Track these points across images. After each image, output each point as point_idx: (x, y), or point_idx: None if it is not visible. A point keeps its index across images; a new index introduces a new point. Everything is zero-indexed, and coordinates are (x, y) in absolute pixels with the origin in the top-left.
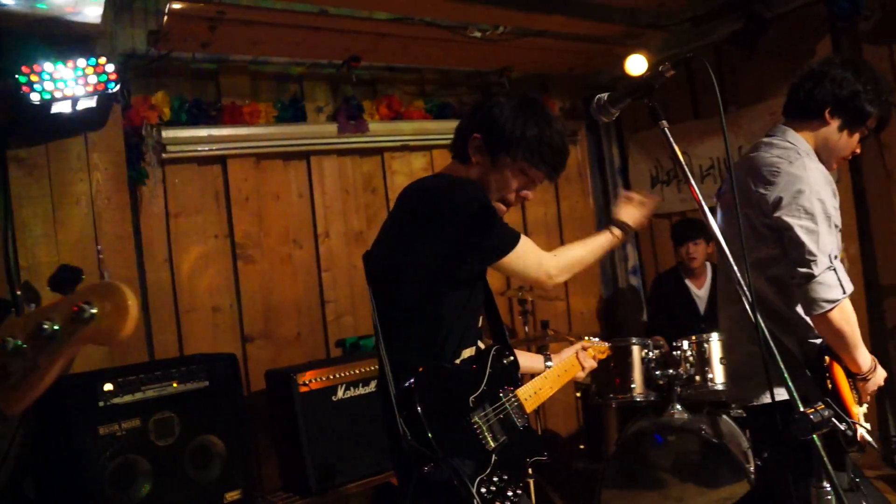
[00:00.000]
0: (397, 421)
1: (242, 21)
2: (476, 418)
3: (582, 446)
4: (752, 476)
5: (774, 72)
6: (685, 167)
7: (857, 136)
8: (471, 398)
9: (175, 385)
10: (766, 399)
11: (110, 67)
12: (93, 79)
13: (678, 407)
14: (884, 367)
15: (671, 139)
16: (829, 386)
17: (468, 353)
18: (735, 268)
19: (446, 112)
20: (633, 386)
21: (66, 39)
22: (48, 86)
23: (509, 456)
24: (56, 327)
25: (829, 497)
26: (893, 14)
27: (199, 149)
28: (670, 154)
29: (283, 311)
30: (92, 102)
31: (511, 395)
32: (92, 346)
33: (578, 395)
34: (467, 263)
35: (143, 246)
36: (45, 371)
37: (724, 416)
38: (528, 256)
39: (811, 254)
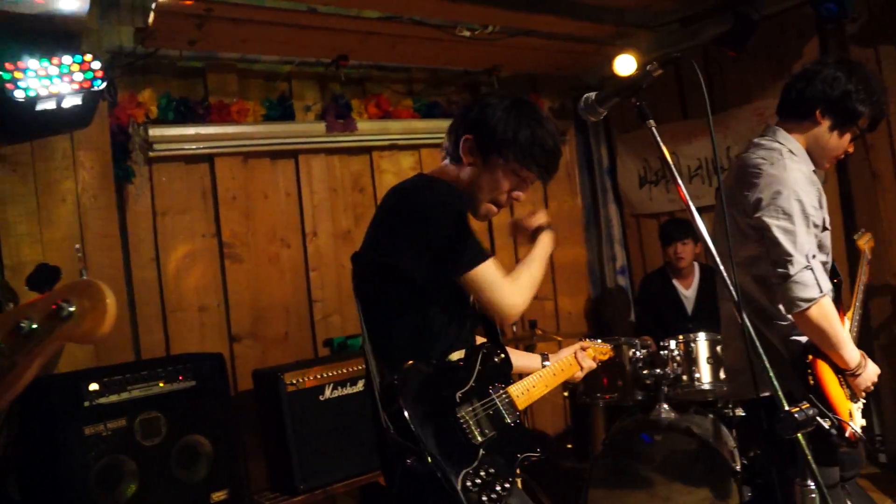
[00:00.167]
0: (381, 415)
1: (230, 19)
2: (463, 413)
3: (569, 445)
4: (739, 475)
5: (762, 73)
6: (672, 167)
7: (848, 136)
8: (458, 394)
9: (161, 385)
10: (762, 392)
11: (96, 64)
12: (78, 76)
13: (665, 406)
14: None
15: (658, 138)
16: (812, 382)
17: (458, 356)
18: (722, 268)
19: (435, 111)
20: (620, 385)
21: (52, 36)
22: (33, 83)
23: (498, 451)
24: (34, 326)
25: (814, 496)
26: (880, 17)
27: (187, 147)
28: (658, 154)
29: (271, 310)
30: (78, 100)
31: (502, 391)
32: (77, 346)
33: (566, 394)
34: (429, 271)
35: (129, 245)
36: (23, 369)
37: (711, 416)
38: (492, 280)
39: (788, 254)
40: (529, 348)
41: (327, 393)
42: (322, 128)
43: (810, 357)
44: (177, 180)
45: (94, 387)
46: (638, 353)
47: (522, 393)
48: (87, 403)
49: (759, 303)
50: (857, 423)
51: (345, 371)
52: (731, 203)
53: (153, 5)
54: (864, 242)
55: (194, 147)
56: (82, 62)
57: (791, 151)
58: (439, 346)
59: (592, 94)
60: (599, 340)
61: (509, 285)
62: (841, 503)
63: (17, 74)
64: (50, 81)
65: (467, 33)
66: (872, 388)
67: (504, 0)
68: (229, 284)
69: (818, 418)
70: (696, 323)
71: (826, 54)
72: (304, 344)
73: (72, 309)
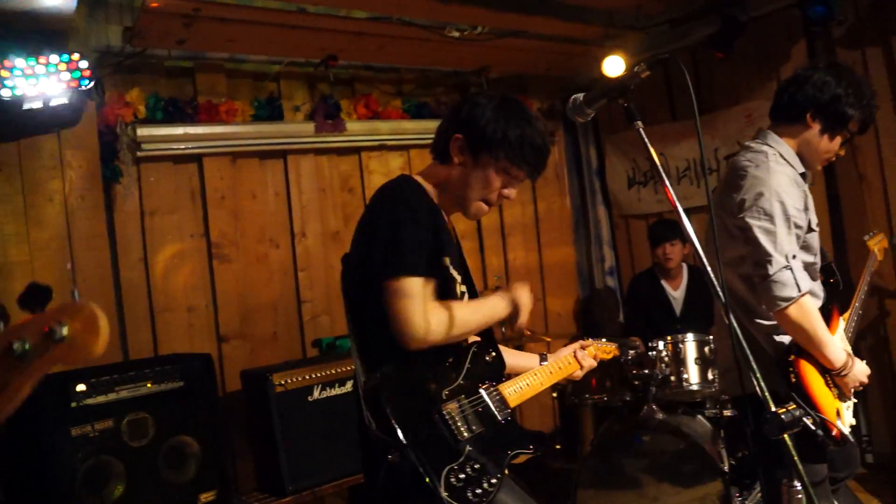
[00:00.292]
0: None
1: (219, 18)
2: (448, 409)
3: (558, 446)
4: (727, 475)
5: (750, 74)
6: (660, 168)
7: (838, 139)
8: (444, 391)
9: (149, 385)
10: (749, 390)
11: (84, 63)
12: (65, 75)
13: (654, 407)
14: None
15: (646, 139)
16: (794, 380)
17: (447, 355)
18: (709, 268)
19: (424, 112)
20: (608, 386)
21: (39, 35)
22: (20, 82)
23: (487, 447)
24: (27, 347)
25: (801, 496)
26: (866, 20)
27: (175, 147)
28: (646, 155)
29: (259, 310)
30: (65, 99)
31: (492, 388)
32: None
33: (555, 395)
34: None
35: (117, 245)
36: (16, 390)
37: (699, 416)
38: (412, 295)
39: (768, 254)
40: (517, 349)
41: (316, 394)
42: (311, 128)
43: (792, 356)
44: (165, 180)
45: (81, 387)
46: (627, 354)
47: (516, 390)
48: (74, 404)
49: (745, 302)
50: (845, 423)
51: (333, 372)
52: (718, 204)
53: (141, 4)
54: (875, 244)
55: (183, 147)
56: (69, 61)
57: (779, 154)
58: (430, 350)
59: (581, 96)
60: (604, 339)
61: (432, 309)
62: (828, 501)
63: (4, 73)
64: (37, 80)
65: (456, 34)
66: (861, 387)
67: (493, 1)
68: (218, 285)
69: (804, 419)
70: (685, 324)
71: (814, 57)
72: (292, 344)
73: (64, 332)
